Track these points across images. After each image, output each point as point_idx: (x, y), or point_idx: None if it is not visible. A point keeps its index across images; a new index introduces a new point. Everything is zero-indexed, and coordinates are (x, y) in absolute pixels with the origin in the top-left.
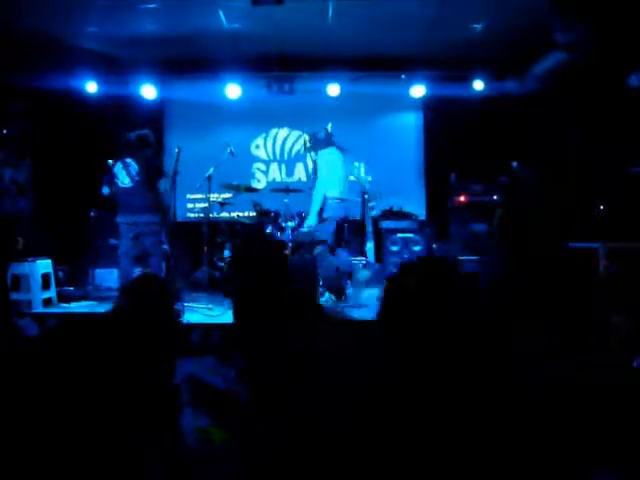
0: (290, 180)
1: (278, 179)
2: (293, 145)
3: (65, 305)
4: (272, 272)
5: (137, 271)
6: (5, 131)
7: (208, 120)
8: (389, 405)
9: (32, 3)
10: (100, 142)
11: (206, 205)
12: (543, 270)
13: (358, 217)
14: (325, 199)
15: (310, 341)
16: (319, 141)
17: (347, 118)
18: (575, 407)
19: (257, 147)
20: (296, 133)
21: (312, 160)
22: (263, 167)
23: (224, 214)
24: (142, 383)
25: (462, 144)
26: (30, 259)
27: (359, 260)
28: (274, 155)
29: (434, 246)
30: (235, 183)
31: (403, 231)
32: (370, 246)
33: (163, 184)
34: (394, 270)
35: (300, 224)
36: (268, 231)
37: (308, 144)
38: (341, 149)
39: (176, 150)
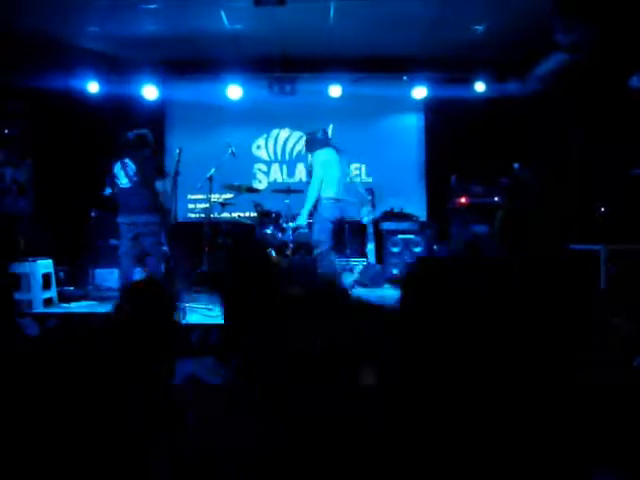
0: (291, 181)
1: (279, 180)
2: (294, 146)
3: (65, 305)
4: (258, 272)
5: (137, 271)
6: (6, 131)
7: (209, 121)
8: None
9: (33, 3)
10: (101, 142)
11: (207, 205)
12: (544, 271)
13: (357, 218)
14: (319, 199)
15: (305, 340)
16: (316, 141)
17: (348, 119)
18: (575, 407)
19: (258, 148)
20: (297, 134)
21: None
22: (264, 168)
23: (225, 214)
24: (142, 384)
25: (463, 145)
26: (31, 259)
27: (358, 261)
28: (275, 156)
29: (435, 247)
30: (236, 184)
31: (404, 232)
32: (371, 247)
33: (161, 184)
34: (397, 270)
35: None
36: (263, 232)
37: (305, 144)
38: (337, 150)
39: (177, 151)
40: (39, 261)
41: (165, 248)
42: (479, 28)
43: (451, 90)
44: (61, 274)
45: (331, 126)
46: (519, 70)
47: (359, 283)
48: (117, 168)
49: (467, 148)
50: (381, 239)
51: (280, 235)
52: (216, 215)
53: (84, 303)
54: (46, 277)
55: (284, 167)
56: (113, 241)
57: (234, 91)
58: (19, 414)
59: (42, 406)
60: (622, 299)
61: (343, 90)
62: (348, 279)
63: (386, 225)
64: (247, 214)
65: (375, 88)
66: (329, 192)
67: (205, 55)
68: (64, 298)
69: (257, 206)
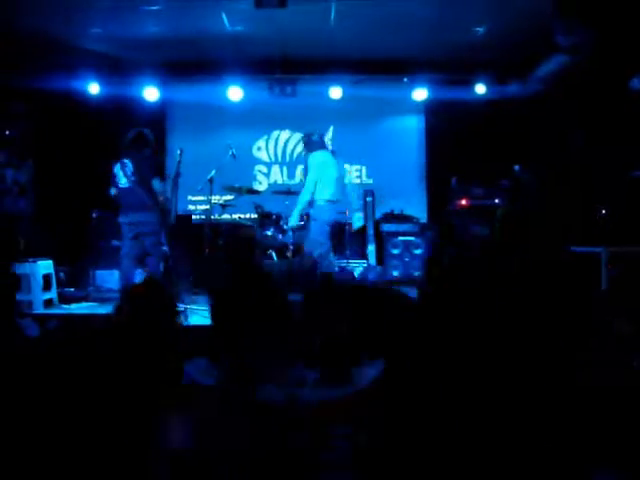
0: (292, 182)
1: (280, 181)
2: (295, 147)
3: (66, 306)
4: (251, 272)
5: (138, 272)
6: (7, 132)
7: (210, 122)
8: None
9: (36, 4)
10: (102, 143)
11: (208, 207)
12: (544, 272)
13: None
14: (315, 201)
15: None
16: (312, 143)
17: (349, 121)
18: (575, 407)
19: (259, 149)
20: (298, 135)
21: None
22: (265, 169)
23: (225, 216)
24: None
25: (464, 147)
26: (31, 260)
27: (358, 263)
28: (276, 157)
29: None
30: (237, 185)
31: (404, 234)
32: (371, 249)
33: (159, 184)
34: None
35: (303, 227)
36: (263, 233)
37: (302, 145)
38: (333, 153)
39: (178, 152)
40: (39, 262)
41: (165, 248)
42: (480, 30)
43: (452, 92)
44: (61, 275)
45: (331, 128)
46: (520, 72)
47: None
48: (117, 168)
49: (467, 150)
50: (381, 241)
51: (280, 237)
52: (217, 216)
53: (84, 304)
54: (46, 278)
55: (284, 169)
56: (114, 242)
57: (235, 92)
58: (19, 415)
59: (42, 407)
60: (623, 301)
61: (344, 92)
62: None
63: (386, 227)
64: (248, 215)
65: (376, 90)
66: (326, 194)
67: (206, 56)
68: (64, 299)
69: (257, 207)
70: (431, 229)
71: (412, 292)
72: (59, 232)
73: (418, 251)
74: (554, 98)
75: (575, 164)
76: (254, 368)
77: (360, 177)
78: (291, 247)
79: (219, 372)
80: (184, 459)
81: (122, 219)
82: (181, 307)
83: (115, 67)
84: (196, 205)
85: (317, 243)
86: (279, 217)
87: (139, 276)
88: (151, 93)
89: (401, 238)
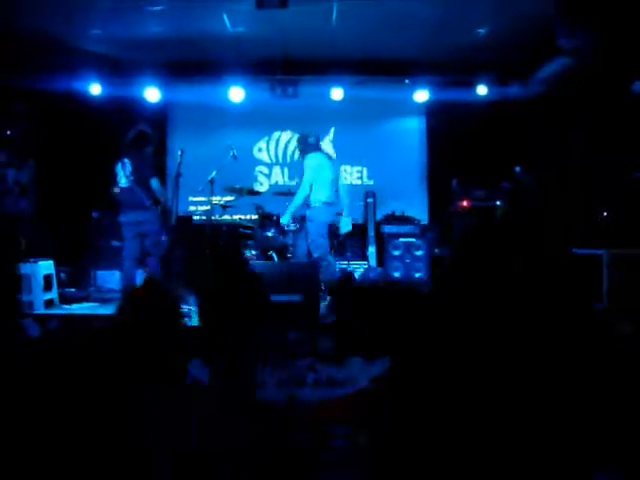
0: (292, 183)
1: (280, 182)
2: (296, 149)
3: (67, 306)
4: (240, 274)
5: (139, 273)
6: (9, 132)
7: (211, 123)
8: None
9: (37, 4)
10: (103, 144)
11: (208, 208)
12: (546, 273)
13: (360, 221)
14: (312, 203)
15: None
16: (308, 145)
17: (350, 122)
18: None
19: (260, 150)
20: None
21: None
22: (266, 170)
23: (226, 217)
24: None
25: (465, 149)
26: (32, 260)
27: (359, 264)
28: (277, 158)
29: (436, 251)
30: (237, 186)
31: (405, 236)
32: (372, 250)
33: (157, 184)
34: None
35: (300, 228)
36: (264, 234)
37: (298, 145)
38: (329, 156)
39: (179, 153)
40: (40, 262)
41: (165, 246)
42: (482, 31)
43: (453, 93)
44: (62, 275)
45: (333, 129)
46: (521, 74)
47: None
48: (118, 168)
49: (469, 151)
50: (382, 242)
51: (281, 238)
52: (217, 217)
53: (85, 305)
54: (47, 278)
55: (285, 170)
56: (115, 242)
57: (236, 93)
58: (20, 415)
59: (43, 408)
60: (624, 303)
61: (345, 93)
62: None
63: (387, 228)
64: (248, 217)
65: (377, 91)
66: (321, 196)
67: (207, 57)
68: (65, 299)
69: (258, 209)
70: (432, 231)
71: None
72: (60, 232)
73: (419, 252)
74: (556, 100)
75: (576, 166)
76: (243, 367)
77: (361, 178)
78: (291, 248)
79: (210, 372)
80: (185, 458)
81: (122, 218)
82: (185, 308)
83: (116, 68)
84: (197, 206)
85: (316, 244)
86: (280, 218)
87: (140, 276)
88: (152, 94)
89: (402, 239)
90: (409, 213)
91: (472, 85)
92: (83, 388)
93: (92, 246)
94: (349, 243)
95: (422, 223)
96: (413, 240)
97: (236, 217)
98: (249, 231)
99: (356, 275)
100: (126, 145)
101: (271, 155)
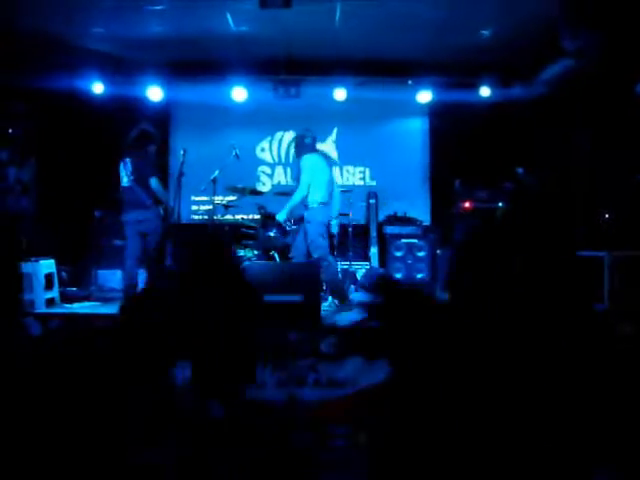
0: (295, 184)
1: (283, 182)
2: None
3: (68, 305)
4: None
5: (141, 272)
6: (10, 130)
7: (214, 122)
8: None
9: (38, 4)
10: (105, 143)
11: (210, 207)
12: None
13: (362, 222)
14: (309, 204)
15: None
16: (304, 146)
17: (353, 122)
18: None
19: (262, 150)
20: None
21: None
22: (268, 170)
23: (228, 217)
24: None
25: (468, 150)
26: (33, 259)
27: (361, 265)
28: (279, 158)
29: (438, 252)
30: (240, 186)
31: (407, 236)
32: (374, 251)
33: (156, 183)
34: (401, 274)
35: (296, 228)
36: (266, 234)
37: (294, 145)
38: (325, 156)
39: (181, 152)
40: (42, 261)
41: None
42: (485, 33)
43: (456, 94)
44: (63, 274)
45: (335, 129)
46: (525, 75)
47: (362, 287)
48: (120, 167)
49: (471, 152)
50: (384, 243)
51: (283, 238)
52: (219, 217)
53: (87, 304)
54: (48, 277)
55: (288, 170)
56: (117, 241)
57: (239, 93)
58: (20, 414)
59: (43, 406)
60: (625, 304)
61: (348, 93)
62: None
63: (389, 229)
64: (250, 216)
65: (380, 91)
66: (318, 197)
67: (210, 57)
68: (67, 298)
69: (261, 208)
70: (434, 232)
71: None
72: (61, 231)
73: (421, 254)
74: (559, 101)
75: (579, 168)
76: (229, 367)
77: (363, 179)
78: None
79: (192, 374)
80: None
81: (124, 217)
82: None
83: (119, 67)
84: (199, 205)
85: (315, 245)
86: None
87: (142, 276)
88: (155, 93)
89: (404, 240)
90: (411, 214)
91: (475, 86)
92: (83, 387)
93: (94, 245)
94: (351, 243)
95: (424, 224)
96: (415, 241)
97: (238, 217)
98: (251, 231)
99: (358, 276)
100: (128, 144)
101: (274, 155)
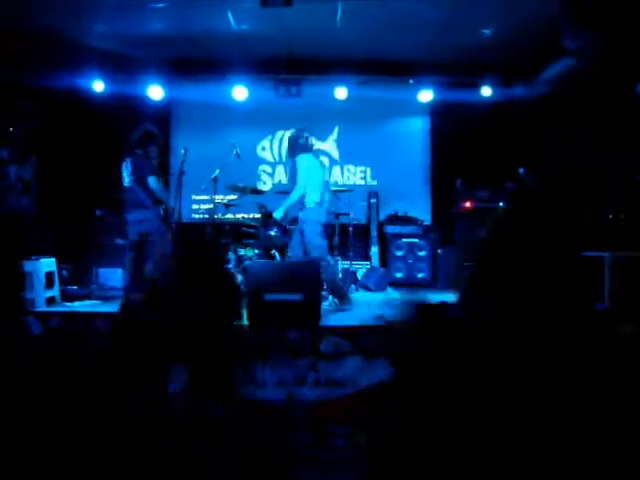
0: (290, 184)
1: (284, 181)
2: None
3: (68, 304)
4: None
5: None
6: (11, 129)
7: (215, 121)
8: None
9: (40, 2)
10: (106, 141)
11: (211, 206)
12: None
13: (363, 221)
14: (305, 204)
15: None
16: (298, 147)
17: (354, 122)
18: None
19: (263, 149)
20: None
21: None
22: (269, 169)
23: (229, 216)
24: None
25: (469, 149)
26: (34, 257)
27: (362, 264)
28: (280, 157)
29: (439, 251)
30: (241, 185)
31: (408, 236)
32: (375, 250)
33: (155, 183)
34: (401, 273)
35: (287, 231)
36: (267, 234)
37: (288, 145)
38: (318, 157)
39: (182, 151)
40: (42, 259)
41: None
42: (487, 32)
43: (457, 94)
44: (64, 273)
45: (336, 128)
46: (526, 74)
47: (362, 286)
48: (123, 167)
49: (473, 152)
50: (385, 242)
51: (283, 237)
52: (220, 216)
53: (87, 302)
54: (49, 276)
55: (289, 169)
56: (118, 240)
57: (240, 92)
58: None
59: (43, 404)
60: (626, 304)
61: (349, 92)
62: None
63: (390, 228)
64: (251, 215)
65: (381, 91)
66: (314, 197)
67: (211, 55)
68: (67, 297)
69: (261, 208)
70: (435, 231)
71: None
72: (62, 229)
73: (422, 253)
74: (560, 101)
75: (581, 167)
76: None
77: (364, 178)
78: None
79: (189, 375)
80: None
81: (127, 217)
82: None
83: (120, 65)
84: (200, 204)
85: (313, 245)
86: (283, 217)
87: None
88: (156, 91)
89: (405, 240)
90: (412, 213)
91: (477, 86)
92: (83, 386)
93: (94, 244)
94: (352, 243)
95: (425, 224)
96: (416, 240)
97: (239, 216)
98: (252, 230)
99: (358, 275)
100: (131, 144)
101: (274, 154)
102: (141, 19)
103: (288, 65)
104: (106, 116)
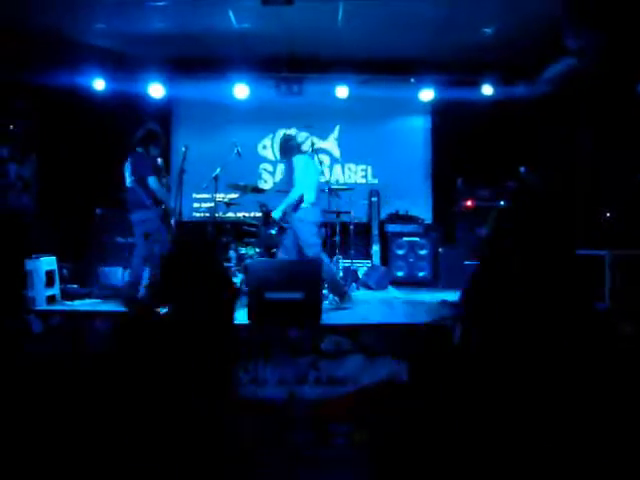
0: (286, 186)
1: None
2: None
3: (69, 303)
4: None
5: (147, 271)
6: (11, 127)
7: (216, 120)
8: None
9: (41, 0)
10: (107, 140)
11: (212, 205)
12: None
13: (364, 220)
14: (301, 204)
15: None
16: (290, 148)
17: (355, 120)
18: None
19: (264, 148)
20: (303, 134)
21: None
22: (270, 168)
23: (230, 214)
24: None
25: (470, 148)
26: (34, 256)
27: (363, 263)
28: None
29: (440, 250)
30: (242, 183)
31: (409, 235)
32: (376, 249)
33: (155, 182)
34: (402, 272)
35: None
36: (268, 232)
37: (280, 146)
38: (312, 157)
39: (183, 149)
40: (42, 258)
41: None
42: (488, 31)
43: (458, 93)
44: (65, 271)
45: (338, 127)
46: (527, 73)
47: (363, 285)
48: (125, 167)
49: (474, 151)
50: (386, 241)
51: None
52: (221, 215)
53: (88, 301)
54: (49, 274)
55: (285, 170)
56: (119, 239)
57: (241, 90)
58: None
59: (43, 402)
60: (626, 303)
61: (350, 91)
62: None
63: (391, 227)
64: (252, 214)
65: (382, 89)
66: (310, 197)
67: (212, 54)
68: (68, 296)
69: (262, 206)
70: (436, 230)
71: None
72: (63, 228)
73: (423, 252)
74: (562, 100)
75: (581, 166)
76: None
77: (365, 177)
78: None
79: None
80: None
81: (131, 217)
82: None
83: (120, 63)
84: (200, 203)
85: (308, 244)
86: (283, 216)
87: (147, 274)
88: (156, 90)
89: (406, 239)
90: (413, 212)
91: (478, 84)
92: (83, 385)
93: (95, 242)
94: (353, 242)
95: (426, 222)
96: (417, 239)
97: (240, 214)
98: (253, 229)
99: (359, 273)
100: (133, 144)
101: (275, 153)
102: (142, 17)
103: (289, 64)
104: (106, 114)
